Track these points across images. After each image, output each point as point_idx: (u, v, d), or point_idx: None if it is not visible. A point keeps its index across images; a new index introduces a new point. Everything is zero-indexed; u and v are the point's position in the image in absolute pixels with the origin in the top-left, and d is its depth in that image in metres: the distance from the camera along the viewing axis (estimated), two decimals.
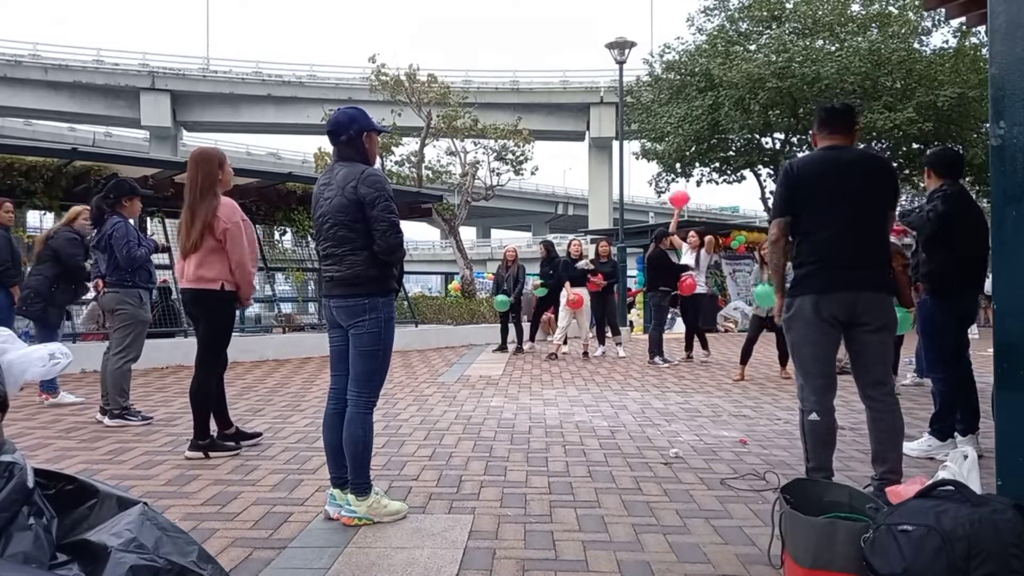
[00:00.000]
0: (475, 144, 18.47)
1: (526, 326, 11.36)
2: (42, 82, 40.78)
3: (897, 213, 4.17)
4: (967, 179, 17.36)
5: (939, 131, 17.84)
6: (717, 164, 21.37)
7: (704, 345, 9.57)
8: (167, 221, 9.57)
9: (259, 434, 4.63)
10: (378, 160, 3.90)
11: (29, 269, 6.36)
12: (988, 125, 2.66)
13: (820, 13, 19.45)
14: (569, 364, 9.24)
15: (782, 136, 20.56)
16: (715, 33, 20.60)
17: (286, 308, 12.48)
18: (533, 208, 59.02)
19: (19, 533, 1.45)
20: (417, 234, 70.21)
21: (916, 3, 18.01)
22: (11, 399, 1.68)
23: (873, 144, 18.18)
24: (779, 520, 2.39)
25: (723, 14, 21.36)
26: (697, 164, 21.34)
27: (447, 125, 17.45)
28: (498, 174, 18.52)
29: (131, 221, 5.30)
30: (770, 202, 21.60)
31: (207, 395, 4.29)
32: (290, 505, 3.30)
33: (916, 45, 18.92)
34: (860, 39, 18.00)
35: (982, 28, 9.51)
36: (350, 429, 3.05)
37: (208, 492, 3.49)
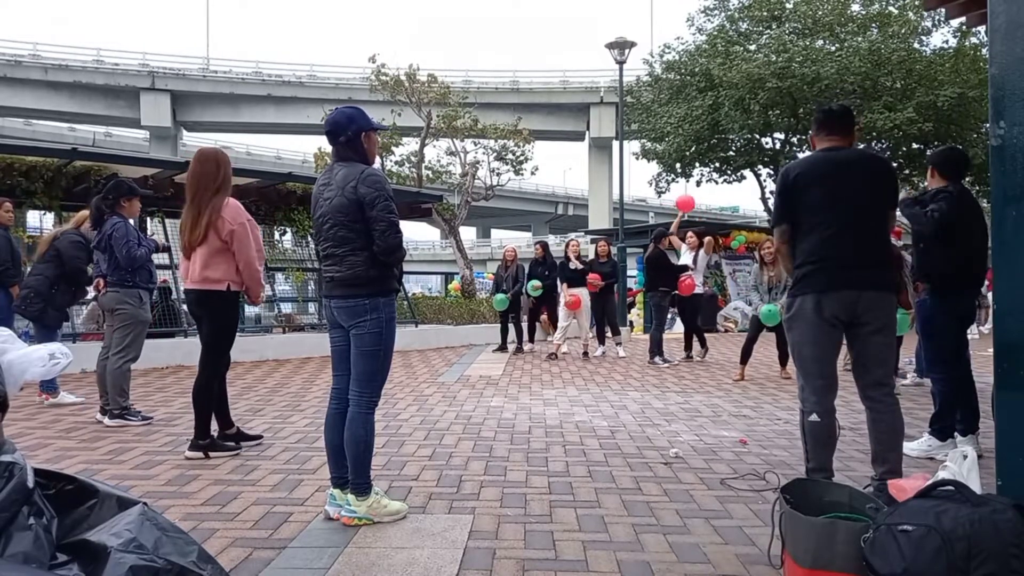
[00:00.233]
0: (475, 144, 18.48)
1: (526, 326, 11.36)
2: (42, 82, 40.78)
3: (907, 199, 4.17)
4: (967, 179, 17.33)
5: (939, 131, 17.84)
6: (717, 164, 21.37)
7: (703, 344, 9.57)
8: (167, 221, 9.57)
9: (260, 436, 4.63)
10: (378, 160, 3.89)
11: (29, 268, 6.36)
12: (988, 125, 2.66)
13: (820, 13, 19.45)
14: (569, 364, 9.24)
15: (782, 136, 20.56)
16: (715, 33, 20.60)
17: (286, 308, 12.48)
18: (533, 208, 59.02)
19: (19, 533, 1.45)
20: (417, 234, 70.35)
21: (916, 3, 18.01)
22: (11, 399, 1.68)
23: (873, 144, 18.19)
24: (779, 520, 2.39)
25: (723, 14, 21.36)
26: (697, 164, 21.35)
27: (447, 125, 17.46)
28: (498, 174, 18.53)
29: (131, 221, 5.30)
30: (770, 202, 21.65)
31: (209, 395, 4.29)
32: (290, 505, 3.30)
33: (916, 45, 18.93)
34: (860, 39, 18.00)
35: (982, 28, 9.51)
36: (352, 429, 3.05)
37: (208, 492, 3.49)
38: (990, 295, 4.83)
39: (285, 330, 11.24)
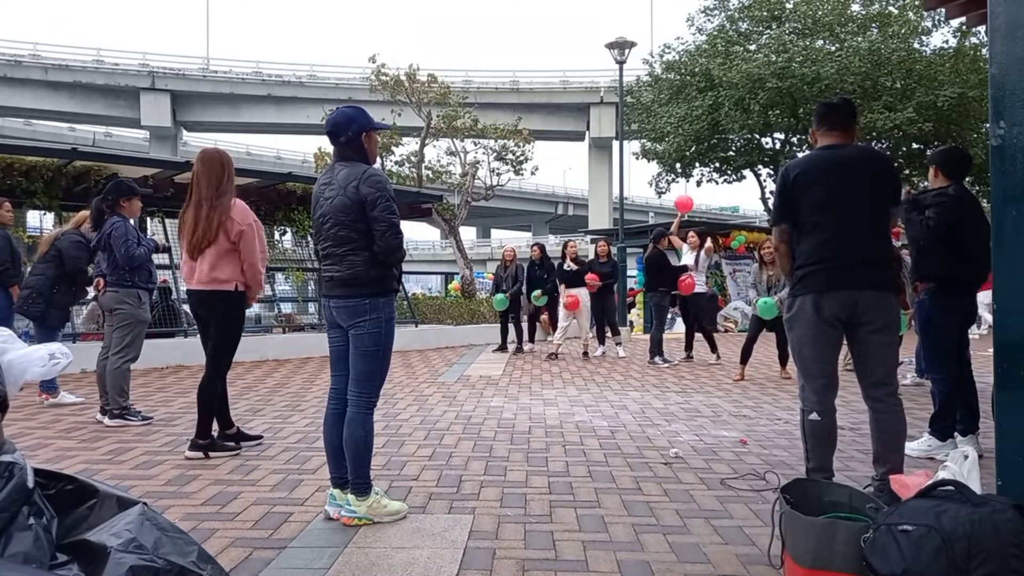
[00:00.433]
0: (475, 144, 18.48)
1: (526, 326, 11.37)
2: (42, 82, 40.79)
3: (906, 202, 4.15)
4: (967, 179, 17.34)
5: (939, 131, 17.85)
6: (717, 164, 21.38)
7: (712, 348, 9.42)
8: (167, 221, 9.57)
9: (260, 437, 4.63)
10: (378, 160, 3.89)
11: (30, 268, 6.36)
12: (988, 125, 2.65)
13: (820, 13, 19.47)
14: (569, 364, 9.24)
15: (782, 136, 20.57)
16: (715, 33, 20.61)
17: (286, 308, 12.48)
18: (533, 208, 59.01)
19: (19, 533, 1.45)
20: (417, 234, 70.40)
21: (916, 3, 18.01)
22: (11, 399, 1.68)
23: (873, 144, 18.19)
24: (779, 520, 2.39)
25: (723, 14, 21.38)
26: (697, 164, 21.36)
27: (447, 125, 17.46)
28: (498, 174, 18.53)
29: (131, 221, 5.30)
30: (770, 202, 21.66)
31: (214, 395, 4.30)
32: (290, 505, 3.30)
33: (916, 45, 18.94)
34: (860, 39, 18.00)
35: (982, 28, 9.51)
36: (350, 429, 3.05)
37: (208, 492, 3.49)
38: (980, 295, 4.82)
39: (285, 330, 11.24)
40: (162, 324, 9.22)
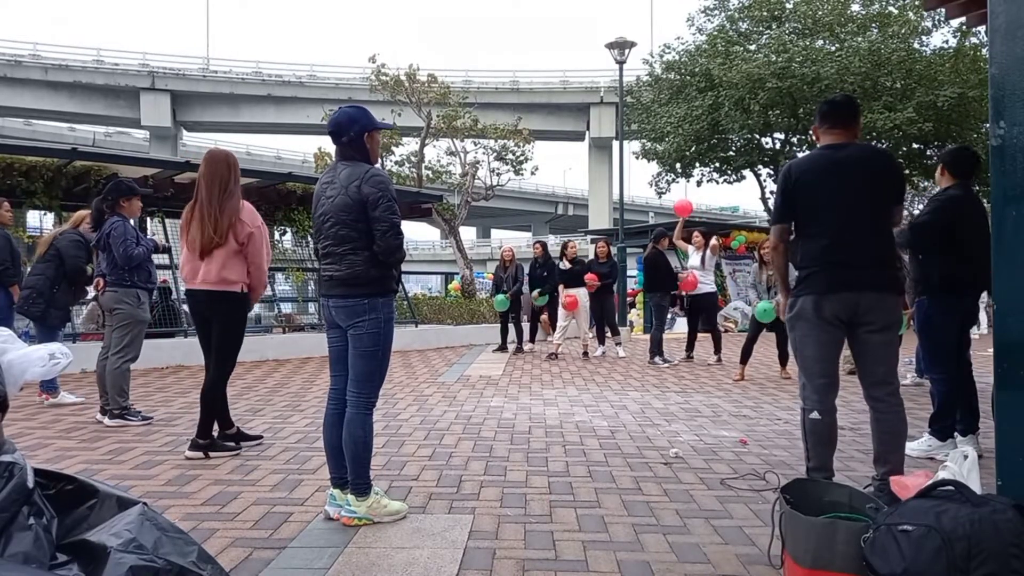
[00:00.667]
0: (475, 144, 18.48)
1: (526, 326, 11.37)
2: (42, 82, 40.79)
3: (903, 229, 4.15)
4: None
5: (939, 131, 17.85)
6: (717, 164, 21.38)
7: (716, 349, 9.42)
8: (167, 221, 9.57)
9: (260, 437, 4.63)
10: (378, 160, 3.89)
11: (29, 268, 6.36)
12: (988, 125, 2.65)
13: (820, 13, 19.46)
14: (569, 364, 9.24)
15: (782, 136, 20.57)
16: (715, 33, 20.61)
17: (286, 308, 12.48)
18: (533, 208, 59.02)
19: (19, 533, 1.45)
20: (417, 234, 70.39)
21: (916, 3, 18.01)
22: (11, 399, 1.68)
23: (873, 144, 18.19)
24: (779, 520, 2.39)
25: (723, 14, 21.38)
26: (697, 164, 21.36)
27: (447, 125, 17.46)
28: (498, 174, 18.54)
29: (131, 221, 5.30)
30: (770, 202, 21.67)
31: (217, 395, 4.31)
32: (290, 505, 3.30)
33: (916, 45, 18.93)
34: (860, 39, 18.00)
35: (982, 28, 9.51)
36: (350, 429, 3.05)
37: (208, 492, 3.49)
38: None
39: (285, 330, 11.25)
40: (162, 324, 9.23)
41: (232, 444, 4.35)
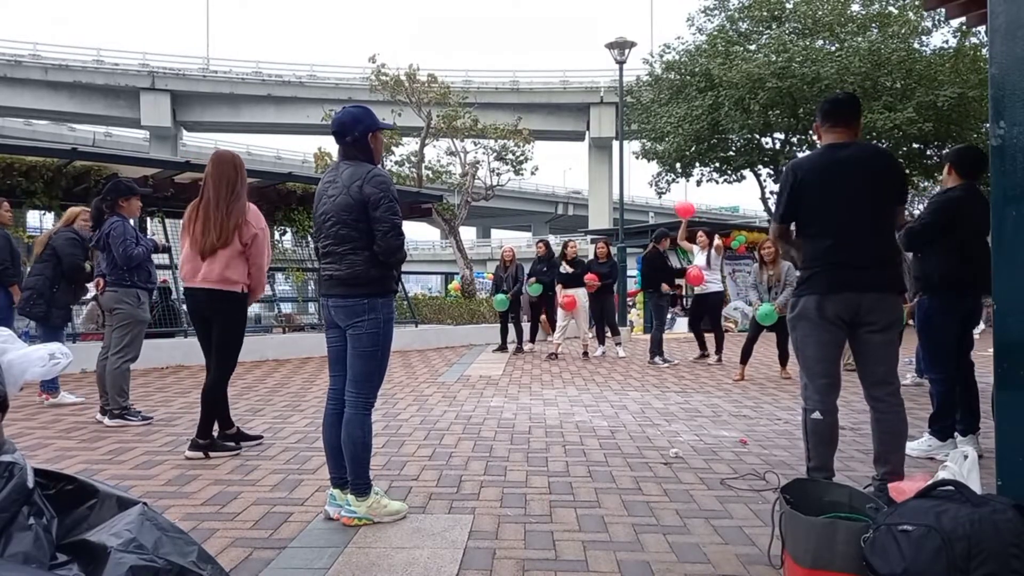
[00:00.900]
0: (475, 144, 18.48)
1: (526, 326, 11.38)
2: (42, 82, 40.78)
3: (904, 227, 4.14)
4: None
5: (939, 131, 17.85)
6: (717, 164, 21.39)
7: (718, 348, 9.43)
8: (167, 221, 9.57)
9: (260, 437, 4.63)
10: (381, 160, 3.89)
11: (29, 269, 6.36)
12: (988, 125, 2.65)
13: (820, 13, 19.47)
14: (569, 364, 9.24)
15: (782, 136, 20.58)
16: (715, 33, 20.62)
17: (286, 308, 12.49)
18: (533, 208, 59.01)
19: (19, 533, 1.45)
20: (417, 234, 70.35)
21: (916, 3, 18.02)
22: (11, 399, 1.68)
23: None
24: (779, 520, 2.39)
25: (723, 14, 21.39)
26: (697, 164, 21.37)
27: (447, 125, 17.46)
28: (498, 174, 18.54)
29: (131, 221, 5.30)
30: (770, 202, 21.70)
31: (219, 395, 4.31)
32: (290, 505, 3.30)
33: (916, 45, 18.94)
34: (860, 39, 18.01)
35: (982, 28, 9.51)
36: (348, 430, 3.05)
37: (208, 492, 3.49)
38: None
39: (285, 330, 11.24)
40: (162, 324, 9.22)
41: (232, 444, 4.36)
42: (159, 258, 7.30)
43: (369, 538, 2.86)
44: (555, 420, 5.39)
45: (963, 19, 5.41)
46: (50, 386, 5.92)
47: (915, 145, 18.77)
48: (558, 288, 9.99)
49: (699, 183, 22.03)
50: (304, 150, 57.53)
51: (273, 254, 11.54)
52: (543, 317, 11.65)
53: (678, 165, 21.31)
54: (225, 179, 4.15)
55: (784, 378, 7.73)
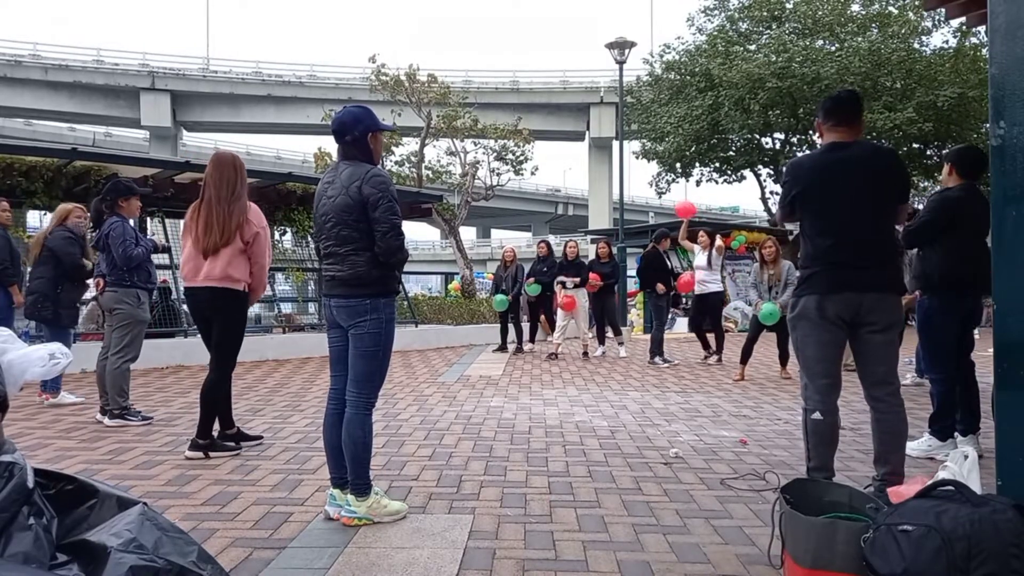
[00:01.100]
0: (475, 144, 18.48)
1: (526, 326, 11.38)
2: (42, 82, 40.77)
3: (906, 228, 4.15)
4: None
5: (939, 131, 17.86)
6: (717, 164, 21.41)
7: (719, 348, 9.44)
8: (167, 221, 9.57)
9: (260, 437, 4.63)
10: (380, 161, 3.90)
11: (29, 270, 6.34)
12: (988, 125, 2.65)
13: (820, 13, 19.48)
14: (569, 364, 9.24)
15: (782, 136, 20.59)
16: (715, 33, 20.63)
17: (286, 308, 12.49)
18: (533, 208, 59.02)
19: (19, 533, 1.45)
20: (417, 234, 70.32)
21: (916, 3, 18.02)
22: (11, 399, 1.68)
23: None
24: (779, 520, 2.39)
25: (723, 14, 21.41)
26: (697, 164, 21.38)
27: (447, 125, 17.46)
28: (498, 174, 18.54)
29: (131, 221, 5.30)
30: (770, 202, 21.73)
31: (218, 396, 4.31)
32: (290, 505, 3.30)
33: (916, 45, 18.95)
34: (860, 39, 18.02)
35: (982, 28, 9.51)
36: (349, 430, 3.05)
37: (208, 492, 3.49)
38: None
39: (285, 330, 11.24)
40: (162, 324, 9.22)
41: (232, 444, 4.36)
42: (159, 258, 7.29)
43: (369, 538, 2.86)
44: (555, 420, 5.39)
45: (963, 19, 5.41)
46: (51, 386, 5.92)
47: (915, 145, 18.78)
48: (557, 288, 9.99)
49: (699, 183, 22.05)
50: (304, 150, 57.60)
51: (273, 254, 11.60)
52: (543, 317, 11.66)
53: (678, 165, 21.32)
54: (225, 179, 4.18)
55: (784, 378, 7.73)
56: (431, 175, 18.38)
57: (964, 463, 2.35)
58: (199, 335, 4.49)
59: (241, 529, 2.98)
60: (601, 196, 45.75)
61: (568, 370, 8.61)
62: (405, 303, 12.96)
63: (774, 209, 21.47)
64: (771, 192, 21.50)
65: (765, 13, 20.12)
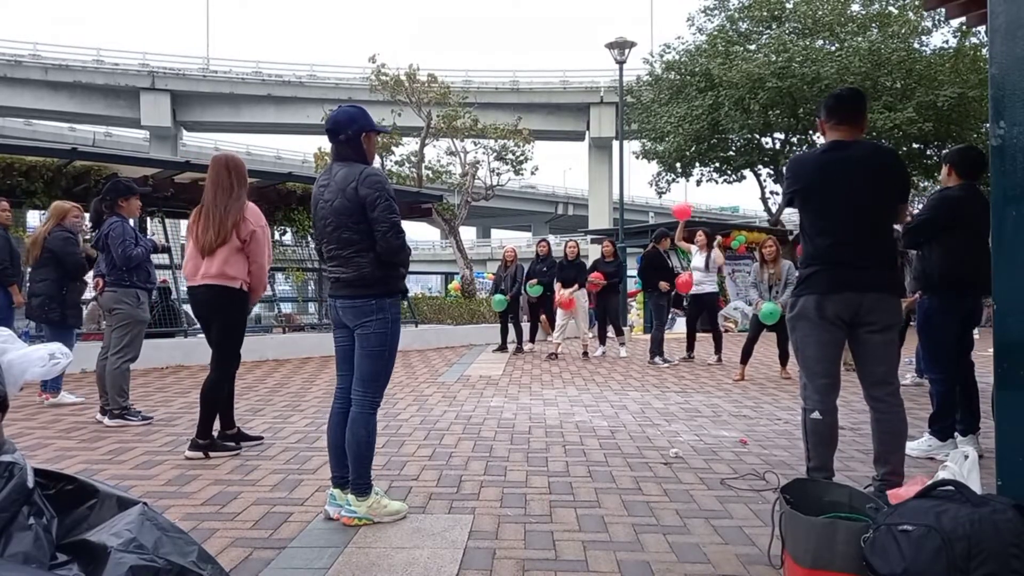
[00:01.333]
0: (475, 144, 18.48)
1: (526, 326, 11.37)
2: (42, 82, 40.74)
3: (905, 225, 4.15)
4: None
5: (939, 131, 17.86)
6: (717, 164, 21.41)
7: (717, 349, 9.44)
8: (167, 221, 9.57)
9: (260, 438, 4.63)
10: (377, 160, 3.91)
11: (30, 271, 6.33)
12: (988, 125, 2.65)
13: (820, 13, 19.48)
14: (569, 364, 9.24)
15: (782, 136, 20.59)
16: (715, 33, 20.63)
17: (286, 308, 12.49)
18: (533, 208, 59.00)
19: (19, 533, 1.45)
20: (417, 234, 70.23)
21: (916, 3, 18.02)
22: (11, 399, 1.68)
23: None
24: (779, 520, 2.39)
25: (723, 14, 21.40)
26: (697, 164, 21.39)
27: (447, 125, 17.46)
28: (498, 174, 18.54)
29: (130, 221, 5.30)
30: (770, 202, 21.73)
31: (218, 396, 4.32)
32: (290, 505, 3.30)
33: (916, 45, 18.95)
34: (860, 39, 18.02)
35: (982, 28, 9.51)
36: (353, 429, 3.05)
37: (208, 492, 3.49)
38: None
39: (285, 330, 11.25)
40: (162, 324, 9.22)
41: (232, 444, 4.36)
42: (159, 258, 7.29)
43: (369, 538, 2.86)
44: (555, 420, 5.39)
45: (963, 19, 5.41)
46: (52, 386, 5.92)
47: (915, 145, 18.78)
48: (557, 288, 9.98)
49: (699, 183, 22.05)
50: (304, 150, 57.64)
51: (273, 254, 11.60)
52: (543, 317, 11.66)
53: (678, 165, 21.33)
54: (221, 180, 4.23)
55: (784, 378, 7.73)
56: (431, 175, 18.38)
57: (964, 463, 2.35)
58: (199, 335, 4.50)
59: (241, 529, 2.98)
60: (601, 196, 45.72)
61: (568, 370, 8.61)
62: (405, 303, 12.95)
63: (774, 209, 21.51)
64: (771, 192, 21.51)
65: (765, 13, 20.12)
